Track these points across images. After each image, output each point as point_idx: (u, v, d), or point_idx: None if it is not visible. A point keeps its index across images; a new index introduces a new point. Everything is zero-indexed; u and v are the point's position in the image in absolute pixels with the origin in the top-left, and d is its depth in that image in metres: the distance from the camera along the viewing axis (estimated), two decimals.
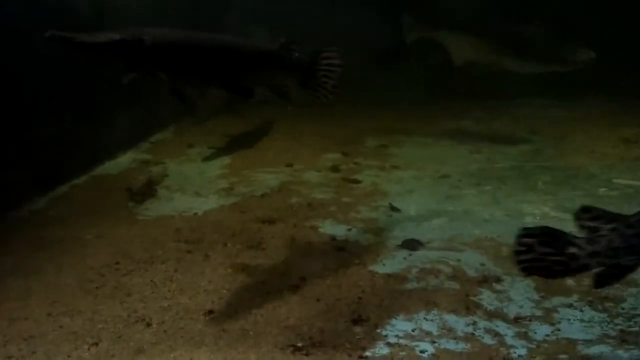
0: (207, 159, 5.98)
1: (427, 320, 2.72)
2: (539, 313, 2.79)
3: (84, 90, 5.24)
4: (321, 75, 3.17)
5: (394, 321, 2.71)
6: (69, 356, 2.44)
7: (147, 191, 4.73)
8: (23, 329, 2.67)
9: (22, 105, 4.34)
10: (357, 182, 5.05)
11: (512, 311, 2.81)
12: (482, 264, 3.32)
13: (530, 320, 2.72)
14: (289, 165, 5.65)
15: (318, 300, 2.93)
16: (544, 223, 3.83)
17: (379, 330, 2.63)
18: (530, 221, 4.02)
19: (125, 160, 5.89)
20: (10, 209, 4.23)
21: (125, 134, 6.14)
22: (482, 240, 3.68)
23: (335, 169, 5.46)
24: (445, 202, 4.43)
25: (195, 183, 5.15)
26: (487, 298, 2.94)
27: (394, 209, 4.28)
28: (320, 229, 3.95)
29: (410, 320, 2.72)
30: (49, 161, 4.74)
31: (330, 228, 3.96)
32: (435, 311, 2.80)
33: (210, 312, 2.82)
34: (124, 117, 6.13)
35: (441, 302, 2.89)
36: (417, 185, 4.91)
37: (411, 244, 3.59)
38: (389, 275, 3.20)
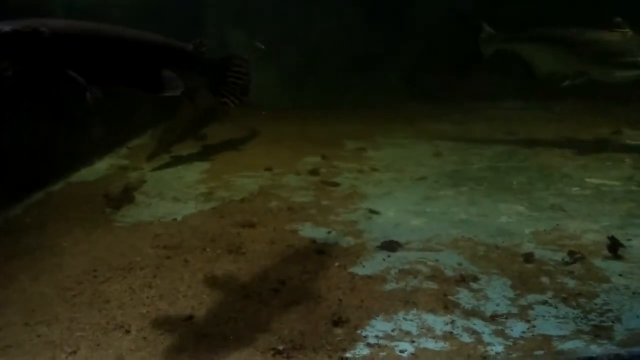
0: (185, 163, 5.96)
1: (406, 320, 2.76)
2: (515, 310, 2.86)
3: (59, 95, 5.16)
4: (230, 82, 3.07)
5: (373, 322, 2.74)
6: None
7: (125, 197, 4.68)
8: None
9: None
10: (336, 184, 5.08)
11: (489, 309, 2.86)
12: (460, 264, 3.38)
13: (506, 318, 2.78)
14: (269, 169, 5.66)
15: (298, 303, 2.94)
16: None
17: (359, 332, 2.65)
18: (505, 221, 4.11)
19: (102, 166, 5.83)
20: None
21: (101, 139, 6.07)
22: (459, 240, 3.75)
23: (314, 172, 5.49)
24: (423, 204, 4.50)
25: (174, 188, 5.12)
26: (464, 297, 2.99)
27: (372, 211, 4.33)
28: (300, 232, 3.96)
29: (389, 320, 2.75)
30: (23, 168, 4.66)
31: (310, 231, 3.98)
32: (414, 311, 2.84)
33: (190, 317, 2.80)
34: (100, 122, 6.06)
35: (420, 302, 2.93)
36: (395, 187, 4.96)
37: (390, 245, 3.63)
38: (368, 277, 3.23)
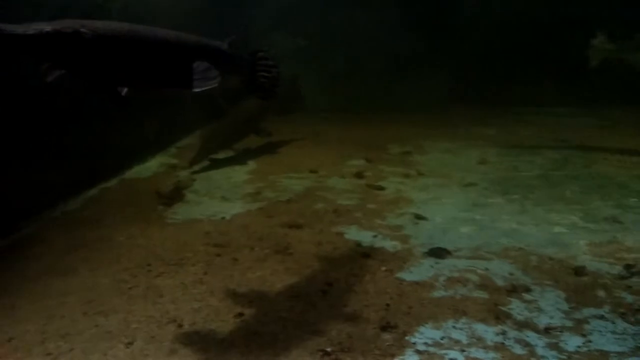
0: (232, 164, 6.07)
1: (455, 328, 2.72)
2: (569, 324, 2.77)
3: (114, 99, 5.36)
4: (261, 76, 2.97)
5: (422, 329, 2.71)
6: (105, 354, 2.51)
7: (176, 195, 4.83)
8: (60, 327, 2.75)
9: (58, 111, 4.47)
10: (381, 188, 5.07)
11: (542, 321, 2.78)
12: (511, 274, 3.30)
13: (561, 331, 2.70)
14: (314, 171, 5.71)
15: (346, 305, 2.95)
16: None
17: (407, 338, 2.64)
18: (558, 231, 3.99)
19: (153, 164, 6.02)
20: (45, 209, 4.37)
21: (153, 139, 6.27)
22: (510, 249, 3.66)
23: (359, 175, 5.49)
24: (471, 211, 4.42)
25: (222, 188, 5.24)
26: (516, 308, 2.92)
27: (419, 216, 4.29)
28: (345, 235, 3.97)
29: (438, 328, 2.72)
30: (81, 164, 4.88)
31: (356, 234, 3.99)
32: (463, 320, 2.80)
33: (240, 314, 2.86)
34: (153, 122, 6.27)
35: (470, 311, 2.88)
36: (442, 192, 4.90)
37: (438, 252, 3.59)
38: (416, 283, 3.21)
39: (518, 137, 7.13)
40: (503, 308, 2.92)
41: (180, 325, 2.76)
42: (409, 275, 3.32)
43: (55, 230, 4.09)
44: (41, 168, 4.32)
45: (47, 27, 2.02)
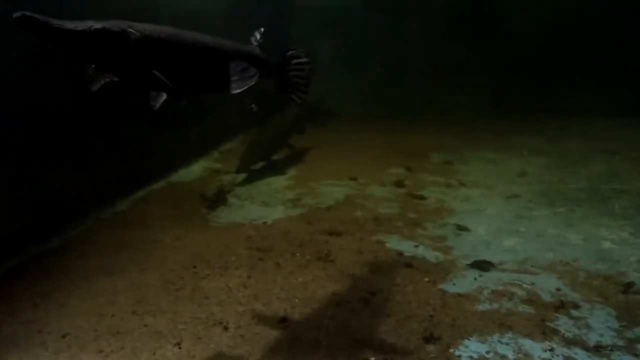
0: (273, 169, 6.15)
1: (501, 343, 2.67)
2: (620, 343, 2.68)
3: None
4: (292, 77, 2.89)
5: (467, 342, 2.68)
6: (154, 354, 2.58)
7: (219, 199, 4.93)
8: (111, 325, 2.85)
9: (108, 114, 4.64)
10: (422, 198, 5.03)
11: (591, 339, 2.70)
12: (558, 289, 3.22)
13: (611, 350, 2.61)
14: (353, 178, 5.72)
15: (388, 315, 2.94)
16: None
17: (452, 350, 2.61)
18: (608, 247, 3.86)
19: (197, 168, 6.17)
20: (94, 209, 4.53)
21: (197, 143, 6.43)
22: (556, 264, 3.57)
23: (399, 184, 5.47)
24: (516, 223, 4.33)
25: (263, 193, 5.31)
26: (564, 324, 2.84)
27: (461, 227, 4.24)
28: (386, 244, 3.96)
29: (484, 342, 2.68)
30: (130, 166, 5.05)
31: (397, 243, 3.97)
32: (509, 334, 2.75)
33: (284, 319, 2.89)
34: (197, 127, 6.43)
35: (516, 326, 2.83)
36: (485, 204, 4.82)
37: (482, 265, 3.54)
38: (460, 295, 3.17)
39: (564, 148, 6.94)
40: (550, 324, 2.85)
41: (226, 328, 2.81)
42: (452, 287, 3.28)
43: (104, 230, 4.24)
44: (92, 169, 4.49)
45: (96, 24, 2.00)
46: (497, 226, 4.26)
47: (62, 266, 3.58)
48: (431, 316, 2.93)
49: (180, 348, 2.63)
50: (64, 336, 2.74)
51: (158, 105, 2.39)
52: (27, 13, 1.78)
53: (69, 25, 1.92)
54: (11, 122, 3.58)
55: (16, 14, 1.76)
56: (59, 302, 3.10)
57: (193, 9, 6.09)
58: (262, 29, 2.98)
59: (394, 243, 3.98)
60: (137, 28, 2.15)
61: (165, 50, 2.26)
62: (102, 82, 2.31)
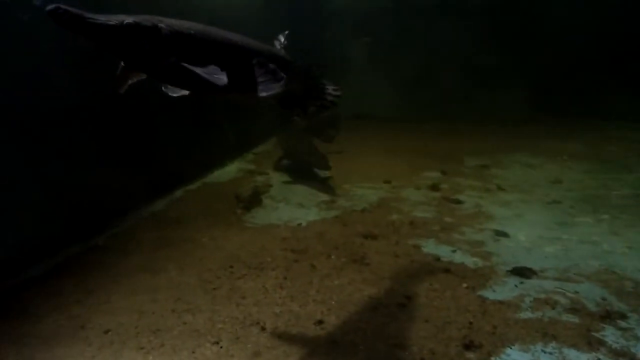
0: (306, 171, 6.15)
1: (545, 352, 2.60)
2: None
3: (198, 104, 5.63)
4: (318, 86, 2.78)
5: (509, 351, 2.61)
6: (193, 352, 2.61)
7: (254, 200, 4.96)
8: (151, 322, 2.90)
9: (147, 117, 4.74)
10: (459, 202, 4.95)
11: None
12: (604, 298, 3.11)
13: None
14: (387, 181, 5.68)
15: (427, 321, 2.90)
16: None
17: (493, 359, 2.55)
18: None
19: (232, 169, 6.24)
20: (133, 209, 4.63)
21: (232, 145, 6.50)
22: (601, 272, 3.45)
23: (435, 187, 5.40)
24: (557, 230, 4.21)
25: (298, 194, 5.33)
26: (611, 335, 2.74)
27: (500, 233, 4.14)
28: (423, 248, 3.91)
29: (526, 351, 2.61)
30: (168, 167, 5.14)
31: (434, 248, 3.91)
32: (553, 344, 2.66)
33: (320, 322, 2.88)
34: (232, 129, 6.50)
35: (560, 335, 2.74)
36: (525, 209, 4.70)
37: (523, 271, 3.45)
38: (500, 302, 3.09)
39: (606, 153, 6.72)
40: (596, 334, 2.75)
41: (263, 329, 2.82)
42: (492, 293, 3.21)
43: (144, 229, 4.33)
44: (132, 170, 4.59)
45: (128, 19, 1.98)
46: (537, 232, 4.15)
47: (104, 263, 3.67)
48: (470, 323, 2.87)
49: (218, 347, 2.65)
50: (106, 332, 2.80)
51: (176, 94, 2.33)
52: (62, 5, 1.76)
53: (102, 19, 1.91)
54: (58, 124, 3.70)
55: (49, 7, 1.74)
56: (101, 298, 3.17)
57: (223, 12, 6.16)
58: (287, 32, 2.91)
59: (431, 247, 3.92)
60: (167, 23, 2.11)
61: (194, 46, 2.20)
62: (129, 83, 2.27)
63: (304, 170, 6.03)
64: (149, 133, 4.82)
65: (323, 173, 5.95)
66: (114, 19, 1.94)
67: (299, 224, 4.45)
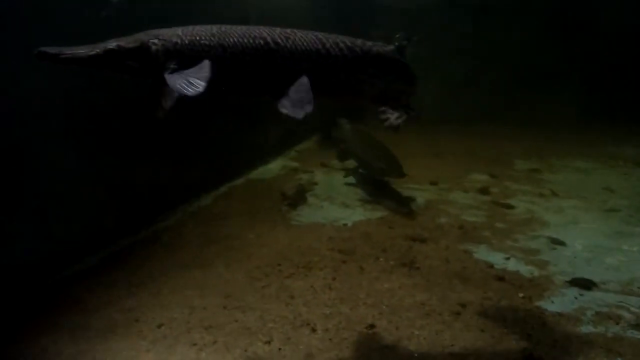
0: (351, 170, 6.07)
1: None
2: None
3: (243, 102, 5.63)
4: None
5: None
6: (245, 350, 2.60)
7: (299, 198, 4.93)
8: (203, 318, 2.90)
9: (194, 114, 4.76)
10: (510, 207, 4.79)
11: None
12: None
13: None
14: (434, 183, 5.56)
15: (482, 330, 2.79)
16: None
17: None
18: None
19: (275, 166, 6.23)
20: (182, 203, 4.68)
21: (276, 142, 6.50)
22: None
23: (484, 191, 5.24)
24: (617, 239, 4.01)
25: (342, 193, 5.27)
26: None
27: (556, 241, 3.98)
28: (475, 254, 3.79)
29: None
30: (214, 163, 5.17)
31: (486, 254, 3.79)
32: None
33: (372, 326, 2.82)
34: (275, 127, 6.49)
35: (626, 353, 2.59)
36: (581, 217, 4.51)
37: (583, 283, 3.29)
38: (559, 314, 2.96)
39: None
40: None
41: (313, 330, 2.78)
42: (551, 305, 3.07)
43: (191, 224, 4.36)
44: (180, 165, 4.63)
45: (111, 44, 2.06)
46: (596, 242, 3.97)
47: (153, 257, 3.71)
48: (529, 335, 2.75)
49: (270, 346, 2.63)
50: (159, 326, 2.82)
51: (170, 104, 2.22)
52: (40, 48, 1.90)
53: (82, 50, 2.01)
54: (112, 121, 3.75)
55: (35, 51, 1.90)
56: (152, 292, 3.20)
57: (273, 9, 6.15)
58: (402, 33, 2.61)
59: (483, 253, 3.80)
60: (165, 36, 2.11)
61: (206, 56, 2.10)
62: (167, 105, 2.22)
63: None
64: (195, 130, 4.85)
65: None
66: (100, 47, 2.04)
67: (345, 224, 4.39)
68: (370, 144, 5.25)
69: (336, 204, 4.96)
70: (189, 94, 1.90)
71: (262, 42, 2.18)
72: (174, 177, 4.58)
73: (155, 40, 2.10)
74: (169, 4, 3.92)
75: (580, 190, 5.24)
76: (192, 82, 1.94)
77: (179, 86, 1.94)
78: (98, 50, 2.05)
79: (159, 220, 4.38)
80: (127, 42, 2.10)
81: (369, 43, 2.38)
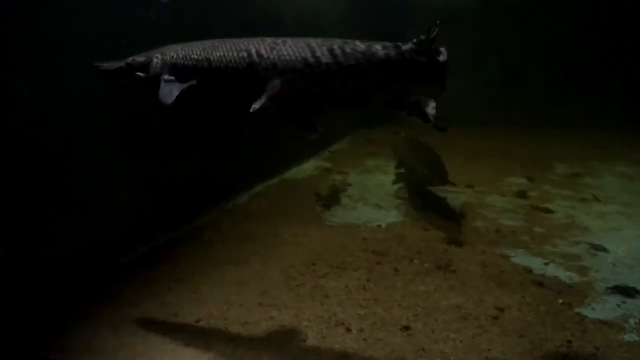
0: (384, 171, 6.07)
1: None
2: None
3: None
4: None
5: None
6: (281, 348, 2.63)
7: (333, 198, 4.95)
8: (240, 315, 2.95)
9: (230, 115, 4.84)
10: (549, 212, 4.68)
11: None
12: None
13: None
14: (470, 186, 5.48)
15: (521, 336, 2.74)
16: None
17: None
18: None
19: (309, 167, 6.27)
20: (221, 201, 4.77)
21: (310, 143, 6.52)
22: None
23: (522, 195, 5.14)
24: None
25: (376, 195, 5.26)
26: None
27: (598, 247, 3.87)
28: (512, 259, 3.72)
29: None
30: (250, 162, 5.24)
31: (524, 259, 3.72)
32: None
33: (407, 328, 2.81)
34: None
35: None
36: (624, 223, 4.37)
37: (626, 290, 3.19)
38: (601, 322, 2.88)
39: None
40: None
41: (348, 330, 2.79)
42: (592, 312, 2.99)
43: (228, 222, 4.44)
44: (218, 164, 4.72)
45: (130, 59, 2.50)
46: (639, 249, 3.84)
47: (191, 254, 3.79)
48: (569, 342, 2.69)
49: (306, 345, 2.65)
50: (197, 321, 2.88)
51: (172, 100, 2.38)
52: (94, 63, 2.53)
53: (112, 64, 2.53)
54: (150, 121, 3.84)
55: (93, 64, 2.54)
56: (190, 288, 3.27)
57: (309, 18, 6.19)
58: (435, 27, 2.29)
59: (521, 258, 3.72)
60: (167, 51, 2.42)
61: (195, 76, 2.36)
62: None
63: (379, 169, 5.61)
64: (232, 130, 4.93)
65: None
66: (123, 62, 2.52)
67: (379, 226, 4.38)
68: (419, 150, 5.15)
69: (370, 205, 4.96)
70: (165, 103, 2.32)
71: (245, 54, 2.28)
72: (212, 176, 4.67)
73: (158, 55, 2.44)
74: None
75: (623, 195, 5.07)
76: (169, 93, 2.33)
77: (160, 95, 2.34)
78: (122, 64, 2.49)
79: (197, 218, 4.47)
80: (140, 57, 2.50)
81: (377, 46, 2.21)
